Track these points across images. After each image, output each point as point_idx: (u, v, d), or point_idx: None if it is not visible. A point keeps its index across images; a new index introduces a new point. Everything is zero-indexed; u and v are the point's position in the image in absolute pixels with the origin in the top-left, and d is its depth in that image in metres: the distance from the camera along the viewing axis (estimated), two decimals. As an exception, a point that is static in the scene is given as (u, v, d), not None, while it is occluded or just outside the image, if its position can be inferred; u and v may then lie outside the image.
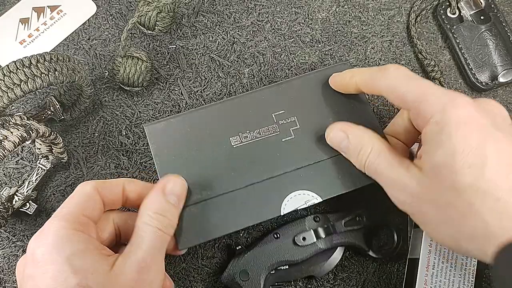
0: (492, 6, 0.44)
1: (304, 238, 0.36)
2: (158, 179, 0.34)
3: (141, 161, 0.41)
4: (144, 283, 0.28)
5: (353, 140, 0.33)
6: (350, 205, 0.38)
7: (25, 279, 0.27)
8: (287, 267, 0.36)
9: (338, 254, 0.37)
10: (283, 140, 0.35)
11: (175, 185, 0.32)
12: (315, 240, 0.36)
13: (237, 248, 0.36)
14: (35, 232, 0.35)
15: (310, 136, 0.36)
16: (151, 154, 0.35)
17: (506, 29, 0.44)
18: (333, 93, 0.37)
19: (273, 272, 0.36)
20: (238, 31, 0.44)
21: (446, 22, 0.45)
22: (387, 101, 0.43)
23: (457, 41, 0.44)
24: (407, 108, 0.31)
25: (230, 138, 0.35)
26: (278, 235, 0.36)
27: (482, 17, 0.44)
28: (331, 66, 0.39)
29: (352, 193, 0.34)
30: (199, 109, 0.36)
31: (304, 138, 0.36)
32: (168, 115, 0.42)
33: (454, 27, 0.44)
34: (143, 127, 0.38)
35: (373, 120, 0.36)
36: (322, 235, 0.36)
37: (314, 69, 0.43)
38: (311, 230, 0.36)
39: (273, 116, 0.36)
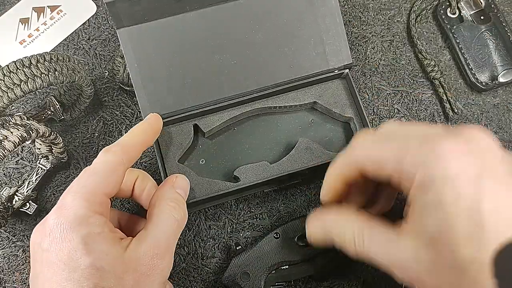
0: (492, 6, 0.44)
1: (305, 237, 0.35)
2: (162, 177, 0.34)
3: (141, 161, 0.41)
4: (156, 269, 0.28)
5: (333, 228, 0.30)
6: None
7: (40, 252, 0.27)
8: (287, 266, 0.36)
9: (338, 254, 0.36)
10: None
11: (182, 180, 0.34)
12: None
13: (237, 248, 0.36)
14: None
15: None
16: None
17: (506, 29, 0.44)
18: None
19: (274, 272, 0.35)
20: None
21: (446, 22, 0.45)
22: (387, 100, 0.43)
23: (457, 41, 0.44)
24: (388, 175, 0.27)
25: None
26: (278, 235, 0.36)
27: (482, 17, 0.44)
28: None
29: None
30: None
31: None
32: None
33: (454, 27, 0.44)
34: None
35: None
36: None
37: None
38: None
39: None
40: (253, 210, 0.39)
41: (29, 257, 0.38)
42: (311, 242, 0.32)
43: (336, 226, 0.30)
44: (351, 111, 0.40)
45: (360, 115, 0.39)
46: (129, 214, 0.35)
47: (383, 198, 0.32)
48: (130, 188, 0.34)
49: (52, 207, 0.39)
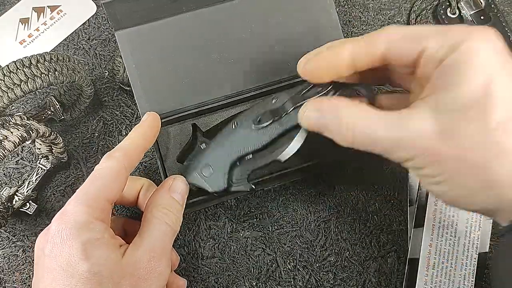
0: (492, 6, 0.44)
1: (260, 120, 0.32)
2: (161, 177, 0.34)
3: (141, 161, 0.41)
4: (154, 273, 0.28)
5: (329, 114, 0.27)
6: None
7: (42, 258, 0.28)
8: (251, 156, 0.33)
9: (301, 136, 0.31)
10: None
11: (179, 183, 0.33)
12: (271, 120, 0.31)
13: (201, 145, 0.35)
14: (37, 232, 0.36)
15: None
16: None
17: (506, 29, 0.44)
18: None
19: (238, 164, 0.33)
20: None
21: (446, 22, 0.45)
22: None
23: (457, 41, 0.44)
24: (421, 44, 0.25)
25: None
26: (236, 124, 0.33)
27: (482, 17, 0.44)
28: None
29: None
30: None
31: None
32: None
33: (454, 27, 0.44)
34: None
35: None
36: (282, 112, 0.31)
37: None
38: (268, 111, 0.32)
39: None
40: (253, 210, 0.40)
41: (29, 257, 0.38)
42: (305, 122, 0.29)
43: (334, 111, 0.27)
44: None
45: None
46: (135, 221, 0.35)
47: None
48: (135, 196, 0.35)
49: (52, 207, 0.40)
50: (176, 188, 0.33)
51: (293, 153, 0.31)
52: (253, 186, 0.33)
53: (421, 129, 0.24)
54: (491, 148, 0.23)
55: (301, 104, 0.30)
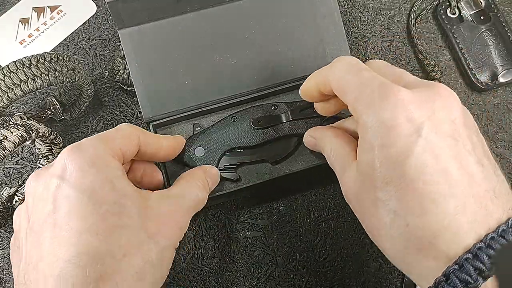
0: (492, 6, 0.44)
1: (259, 122, 0.36)
2: (163, 177, 0.34)
3: (141, 161, 0.41)
4: (173, 228, 0.28)
5: (319, 143, 0.33)
6: None
7: (51, 190, 0.26)
8: (242, 150, 0.37)
9: (292, 143, 0.37)
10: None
11: (214, 172, 0.35)
12: (271, 124, 0.36)
13: (196, 129, 0.37)
14: None
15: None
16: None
17: (506, 29, 0.44)
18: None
19: (228, 153, 0.36)
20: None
21: (446, 22, 0.45)
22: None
23: (457, 41, 0.44)
24: (347, 103, 0.28)
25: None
26: (236, 118, 0.37)
27: (482, 17, 0.44)
28: None
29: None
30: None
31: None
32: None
33: (454, 27, 0.44)
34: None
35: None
36: (279, 121, 0.37)
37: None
38: (267, 116, 0.37)
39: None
40: (253, 210, 0.40)
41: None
42: (307, 146, 0.35)
43: (321, 141, 0.33)
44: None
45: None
46: (145, 162, 0.34)
47: None
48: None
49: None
50: (211, 175, 0.34)
51: (281, 157, 0.37)
52: (239, 176, 0.36)
53: (348, 181, 0.28)
54: (378, 222, 0.26)
55: (297, 119, 0.37)
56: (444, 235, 0.23)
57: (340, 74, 0.28)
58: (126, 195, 0.26)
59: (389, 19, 0.46)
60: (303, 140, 0.35)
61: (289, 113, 0.37)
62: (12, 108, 0.42)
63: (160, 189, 0.31)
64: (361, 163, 0.26)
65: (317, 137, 0.33)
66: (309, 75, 0.36)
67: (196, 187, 0.31)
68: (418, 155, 0.24)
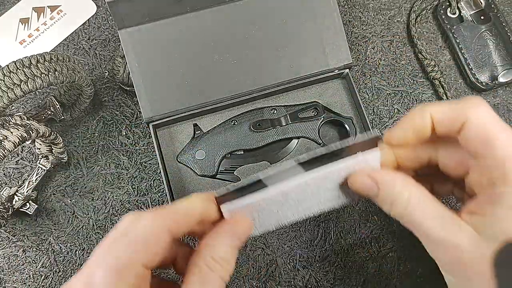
0: (492, 6, 0.44)
1: (259, 125, 0.37)
2: (162, 176, 0.34)
3: (141, 161, 0.41)
4: None
5: (384, 188, 0.26)
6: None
7: None
8: (242, 152, 0.37)
9: (292, 145, 0.38)
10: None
11: (245, 229, 0.26)
12: (270, 127, 0.38)
13: (196, 132, 0.38)
14: (36, 232, 0.34)
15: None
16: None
17: (506, 29, 0.44)
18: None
19: (229, 156, 0.37)
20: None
21: (446, 22, 0.45)
22: (387, 100, 0.43)
23: (457, 41, 0.44)
24: (487, 158, 0.25)
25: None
26: (236, 122, 0.38)
27: (482, 17, 0.44)
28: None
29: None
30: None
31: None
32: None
33: (454, 27, 0.44)
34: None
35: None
36: (278, 124, 0.38)
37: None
38: (268, 118, 0.38)
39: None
40: (253, 210, 0.40)
41: (29, 257, 0.38)
42: (351, 187, 0.28)
43: (389, 185, 0.26)
44: (351, 111, 0.40)
45: (360, 115, 0.39)
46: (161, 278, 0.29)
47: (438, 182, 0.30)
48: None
49: (52, 207, 0.40)
50: (240, 234, 0.26)
51: (281, 159, 0.38)
52: (238, 177, 0.37)
53: (462, 247, 0.24)
54: None
55: (296, 122, 0.38)
56: None
57: (486, 119, 0.25)
58: None
59: (389, 19, 0.46)
60: (348, 180, 0.27)
61: (288, 116, 0.38)
62: (12, 108, 0.42)
63: None
64: (506, 236, 0.23)
65: (382, 181, 0.26)
66: (308, 75, 0.36)
67: (219, 274, 0.25)
68: None
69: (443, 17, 0.45)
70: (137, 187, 0.40)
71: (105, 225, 0.39)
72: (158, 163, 0.37)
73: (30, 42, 0.45)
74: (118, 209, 0.39)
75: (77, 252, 0.39)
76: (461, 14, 0.44)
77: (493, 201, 0.24)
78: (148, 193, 0.40)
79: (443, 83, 0.43)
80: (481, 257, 0.23)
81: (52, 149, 0.38)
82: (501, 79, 0.43)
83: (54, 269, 0.38)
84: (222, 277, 0.25)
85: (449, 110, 0.26)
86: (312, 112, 0.37)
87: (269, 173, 0.25)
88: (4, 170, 0.41)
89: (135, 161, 0.41)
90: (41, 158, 0.39)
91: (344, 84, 0.40)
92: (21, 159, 0.41)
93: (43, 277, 0.38)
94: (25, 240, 0.39)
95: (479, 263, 0.23)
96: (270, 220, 0.28)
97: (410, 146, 0.28)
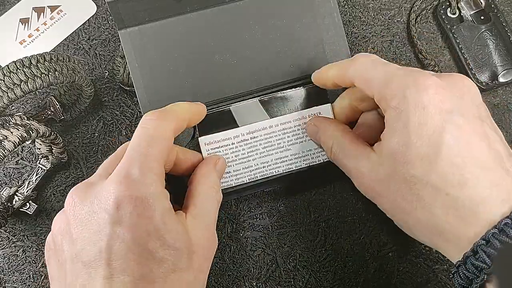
0: (492, 6, 0.44)
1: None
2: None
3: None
4: (210, 256, 0.29)
5: (322, 134, 0.34)
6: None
7: (113, 241, 0.25)
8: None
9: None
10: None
11: (223, 164, 0.35)
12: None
13: (196, 132, 0.37)
14: (36, 232, 0.34)
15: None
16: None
17: (506, 29, 0.44)
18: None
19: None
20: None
21: (446, 22, 0.45)
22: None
23: (457, 41, 0.44)
24: (373, 94, 0.30)
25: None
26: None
27: (482, 17, 0.44)
28: None
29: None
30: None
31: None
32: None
33: (454, 27, 0.44)
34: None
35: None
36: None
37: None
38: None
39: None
40: (253, 210, 0.40)
41: (29, 257, 0.38)
42: (309, 134, 0.36)
43: (323, 134, 0.34)
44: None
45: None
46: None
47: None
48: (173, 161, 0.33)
49: (52, 207, 0.40)
50: (220, 169, 0.34)
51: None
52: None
53: (366, 172, 0.29)
54: (412, 199, 0.27)
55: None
56: (484, 205, 0.25)
57: (365, 67, 0.30)
58: (178, 238, 0.26)
59: (389, 19, 0.46)
60: (306, 127, 0.36)
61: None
62: (12, 108, 0.42)
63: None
64: (391, 144, 0.27)
65: (320, 128, 0.34)
66: (309, 75, 0.36)
67: (215, 194, 0.31)
68: (453, 132, 0.26)
69: (443, 17, 0.45)
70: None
71: (105, 225, 0.39)
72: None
73: (30, 42, 0.45)
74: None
75: (77, 252, 0.39)
76: (461, 14, 0.44)
77: (385, 122, 0.28)
78: (148, 193, 0.39)
79: (443, 83, 0.43)
80: (376, 178, 0.29)
81: (52, 149, 0.38)
82: (501, 79, 0.43)
83: (54, 269, 0.38)
84: (217, 200, 0.31)
85: (338, 70, 0.32)
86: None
87: (237, 105, 0.36)
88: (4, 170, 0.41)
89: (135, 161, 0.41)
90: (41, 158, 0.39)
91: None
92: (21, 159, 0.41)
93: (43, 277, 0.38)
94: (25, 240, 0.39)
95: (376, 184, 0.29)
96: (244, 169, 0.36)
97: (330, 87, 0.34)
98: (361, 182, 0.30)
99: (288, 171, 0.36)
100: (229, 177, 0.36)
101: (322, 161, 0.36)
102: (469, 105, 0.27)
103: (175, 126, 0.30)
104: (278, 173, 0.36)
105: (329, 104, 0.36)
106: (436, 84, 0.27)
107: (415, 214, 0.27)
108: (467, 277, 0.25)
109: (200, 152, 0.35)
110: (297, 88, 0.37)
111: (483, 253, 0.24)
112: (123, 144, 0.31)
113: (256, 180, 0.36)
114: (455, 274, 0.26)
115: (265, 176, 0.36)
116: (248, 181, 0.36)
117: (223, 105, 0.37)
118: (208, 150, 0.36)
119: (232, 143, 0.36)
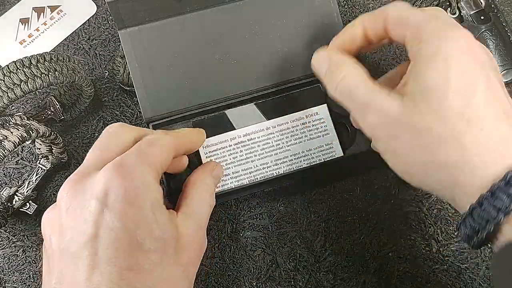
0: (492, 6, 0.44)
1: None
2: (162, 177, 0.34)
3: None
4: (199, 253, 0.30)
5: (333, 62, 0.32)
6: None
7: (101, 229, 0.25)
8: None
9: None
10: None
11: (219, 170, 0.35)
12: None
13: None
14: (36, 232, 0.34)
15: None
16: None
17: (506, 29, 0.44)
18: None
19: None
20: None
21: (446, 22, 0.45)
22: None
23: (457, 41, 0.44)
24: (406, 31, 0.29)
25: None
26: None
27: (482, 17, 0.44)
28: None
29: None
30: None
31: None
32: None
33: (454, 27, 0.44)
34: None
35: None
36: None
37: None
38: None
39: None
40: (253, 210, 0.40)
41: (29, 257, 0.38)
42: (312, 66, 0.34)
43: (335, 64, 0.32)
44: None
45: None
46: None
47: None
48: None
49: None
50: (217, 174, 0.34)
51: None
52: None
53: (389, 104, 0.28)
54: (445, 132, 0.26)
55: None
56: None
57: (401, 9, 0.30)
58: (167, 229, 0.26)
59: (389, 19, 0.45)
60: (312, 61, 0.34)
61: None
62: (12, 108, 0.42)
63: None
64: (427, 80, 0.27)
65: (334, 57, 0.32)
66: (309, 75, 0.36)
67: (209, 198, 0.32)
68: (485, 80, 0.27)
69: (443, 17, 0.45)
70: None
71: (105, 225, 0.39)
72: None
73: (30, 42, 0.45)
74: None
75: (77, 252, 0.39)
76: (461, 14, 0.44)
77: (413, 62, 0.28)
78: (148, 193, 0.39)
79: (443, 83, 0.43)
80: (406, 112, 0.27)
81: (52, 149, 0.38)
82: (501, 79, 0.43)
83: (54, 269, 0.38)
84: (210, 203, 0.32)
85: (373, 14, 0.31)
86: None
87: (232, 111, 0.37)
88: (4, 170, 0.41)
89: (135, 161, 0.41)
90: (41, 158, 0.39)
91: None
92: (21, 159, 0.41)
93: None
94: (25, 240, 0.39)
95: (404, 116, 0.27)
96: (243, 170, 0.36)
97: (353, 50, 0.33)
98: (374, 116, 0.29)
99: (289, 172, 0.36)
100: (229, 179, 0.36)
101: (323, 160, 0.36)
102: (493, 66, 0.29)
103: (174, 144, 0.31)
104: (279, 173, 0.36)
105: (325, 105, 0.37)
106: (473, 40, 0.28)
107: (442, 147, 0.26)
108: (482, 217, 0.25)
109: (199, 154, 0.36)
110: (294, 90, 0.37)
111: (502, 193, 0.24)
112: (107, 127, 0.31)
113: (257, 181, 0.36)
114: (467, 218, 0.26)
115: (266, 177, 0.36)
116: (248, 183, 0.36)
117: (220, 108, 0.37)
118: (206, 153, 0.36)
119: (230, 145, 0.36)
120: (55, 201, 0.40)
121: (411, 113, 0.27)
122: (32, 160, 0.41)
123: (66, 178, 0.40)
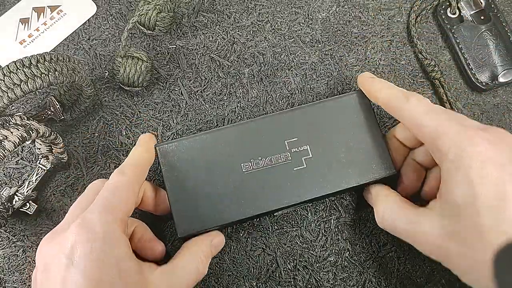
0: (492, 6, 0.44)
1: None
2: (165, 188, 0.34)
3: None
4: None
5: (373, 199, 0.36)
6: None
7: (59, 269, 0.26)
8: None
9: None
10: (294, 169, 0.36)
11: (220, 242, 0.36)
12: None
13: None
14: (36, 232, 0.34)
15: (321, 167, 0.36)
16: (162, 175, 0.36)
17: (506, 29, 0.44)
18: (346, 123, 0.37)
19: None
20: (238, 31, 0.44)
21: (446, 22, 0.45)
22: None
23: (457, 41, 0.44)
24: (423, 140, 0.32)
25: (242, 164, 0.36)
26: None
27: (482, 17, 0.44)
28: (345, 95, 0.38)
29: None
30: (212, 131, 0.36)
31: (316, 169, 0.36)
32: (168, 116, 0.42)
33: (454, 27, 0.44)
34: (141, 131, 0.39)
35: (385, 154, 0.37)
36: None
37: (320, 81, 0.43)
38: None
39: (286, 143, 0.36)
40: (253, 210, 0.39)
41: (29, 257, 0.38)
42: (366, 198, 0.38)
43: (375, 200, 0.35)
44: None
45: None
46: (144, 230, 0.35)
47: (412, 178, 0.37)
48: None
49: (52, 207, 0.40)
50: (217, 244, 0.35)
51: None
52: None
53: (431, 228, 0.29)
54: (484, 247, 0.26)
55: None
56: None
57: (417, 112, 0.32)
58: (131, 279, 0.27)
59: (389, 19, 0.46)
60: (364, 193, 0.39)
61: None
62: (12, 108, 0.42)
63: (160, 256, 0.34)
64: (456, 197, 0.28)
65: (373, 194, 0.36)
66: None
67: (200, 261, 0.32)
68: None
69: (443, 17, 0.45)
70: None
71: (105, 225, 0.39)
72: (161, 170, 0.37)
73: (30, 42, 0.45)
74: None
75: (77, 252, 0.39)
76: (461, 14, 0.44)
77: (442, 180, 0.30)
78: (148, 193, 0.39)
79: (443, 83, 0.43)
80: (440, 234, 0.29)
81: (52, 149, 0.38)
82: (501, 79, 0.43)
83: (54, 269, 0.38)
84: (199, 268, 0.32)
85: (391, 102, 0.34)
86: None
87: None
88: (4, 170, 0.41)
89: (135, 161, 0.41)
90: (41, 158, 0.39)
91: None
92: (21, 159, 0.41)
93: (43, 277, 0.38)
94: (25, 240, 0.39)
95: (442, 240, 0.28)
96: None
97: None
98: (425, 241, 0.30)
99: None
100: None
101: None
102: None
103: (135, 177, 0.31)
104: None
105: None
106: (487, 139, 0.28)
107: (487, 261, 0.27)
108: None
109: None
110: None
111: None
112: (90, 184, 0.33)
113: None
114: None
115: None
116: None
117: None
118: None
119: None
120: (55, 201, 0.40)
121: (451, 229, 0.28)
122: (32, 160, 0.41)
123: (66, 178, 0.41)
